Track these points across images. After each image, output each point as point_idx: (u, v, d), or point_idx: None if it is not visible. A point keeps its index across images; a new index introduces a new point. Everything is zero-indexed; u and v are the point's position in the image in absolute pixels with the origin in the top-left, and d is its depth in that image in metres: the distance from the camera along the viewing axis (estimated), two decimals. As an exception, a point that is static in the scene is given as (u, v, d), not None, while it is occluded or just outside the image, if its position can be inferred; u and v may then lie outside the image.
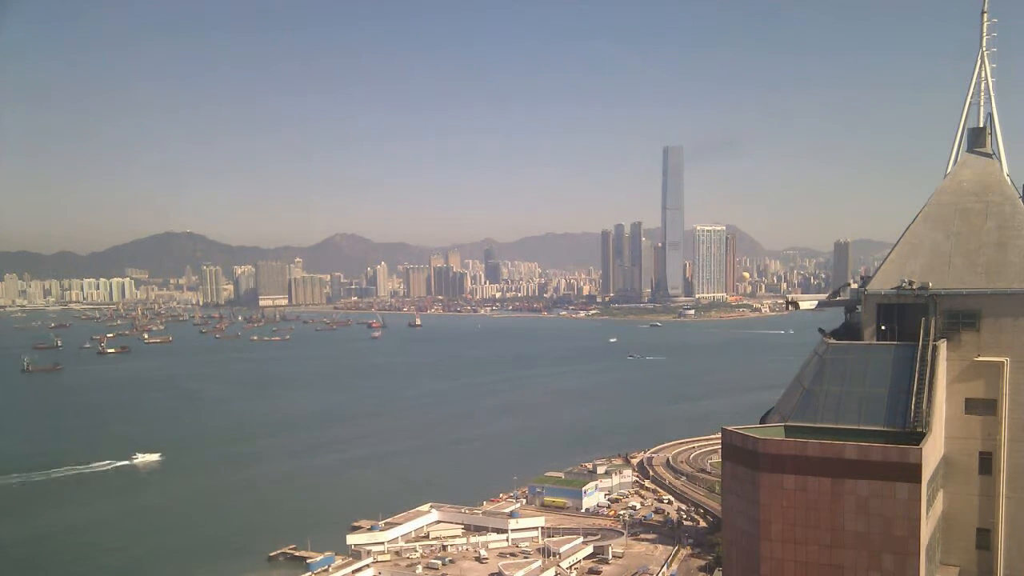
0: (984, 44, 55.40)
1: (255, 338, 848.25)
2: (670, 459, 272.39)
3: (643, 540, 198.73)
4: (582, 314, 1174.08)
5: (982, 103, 56.46)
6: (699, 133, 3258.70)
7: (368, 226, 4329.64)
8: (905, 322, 50.76)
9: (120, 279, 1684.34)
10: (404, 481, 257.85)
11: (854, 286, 58.91)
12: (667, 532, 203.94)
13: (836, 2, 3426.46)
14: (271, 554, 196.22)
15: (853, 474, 42.49)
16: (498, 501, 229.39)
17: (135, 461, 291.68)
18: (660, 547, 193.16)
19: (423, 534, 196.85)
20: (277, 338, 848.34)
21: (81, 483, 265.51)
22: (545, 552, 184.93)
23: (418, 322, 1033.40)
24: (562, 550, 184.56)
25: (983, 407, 48.82)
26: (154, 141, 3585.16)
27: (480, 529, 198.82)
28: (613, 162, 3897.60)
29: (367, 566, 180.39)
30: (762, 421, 51.44)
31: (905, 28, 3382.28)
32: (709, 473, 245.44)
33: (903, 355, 47.94)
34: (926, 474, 42.05)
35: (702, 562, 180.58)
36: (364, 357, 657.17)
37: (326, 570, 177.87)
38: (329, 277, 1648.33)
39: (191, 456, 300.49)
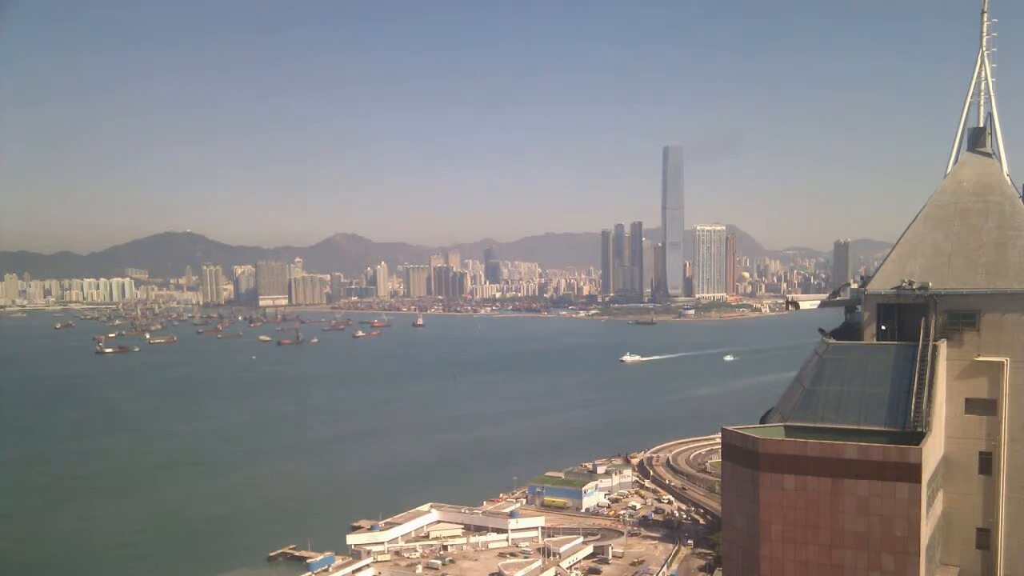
0: (984, 44, 55.36)
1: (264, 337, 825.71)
2: (670, 459, 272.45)
3: (643, 540, 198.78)
4: (582, 314, 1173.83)
5: (982, 103, 56.43)
6: (699, 133, 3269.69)
7: (368, 226, 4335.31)
8: (905, 322, 50.77)
9: (120, 279, 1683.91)
10: (404, 481, 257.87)
11: (854, 286, 58.90)
12: (667, 532, 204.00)
13: (836, 2, 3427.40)
14: (271, 554, 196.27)
15: (853, 474, 42.44)
16: (498, 501, 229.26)
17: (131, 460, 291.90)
18: (660, 547, 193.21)
19: (423, 534, 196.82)
20: (288, 340, 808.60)
21: (83, 484, 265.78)
22: (545, 552, 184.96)
23: (420, 321, 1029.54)
24: (562, 550, 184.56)
25: (983, 407, 48.78)
26: (154, 141, 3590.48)
27: (480, 529, 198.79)
28: (613, 162, 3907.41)
29: (367, 566, 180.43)
30: (762, 421, 51.40)
31: (905, 28, 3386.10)
32: (709, 473, 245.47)
33: (903, 355, 47.92)
34: (926, 474, 42.02)
35: (702, 562, 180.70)
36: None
37: (326, 570, 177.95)
38: (329, 277, 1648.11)
39: (191, 455, 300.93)
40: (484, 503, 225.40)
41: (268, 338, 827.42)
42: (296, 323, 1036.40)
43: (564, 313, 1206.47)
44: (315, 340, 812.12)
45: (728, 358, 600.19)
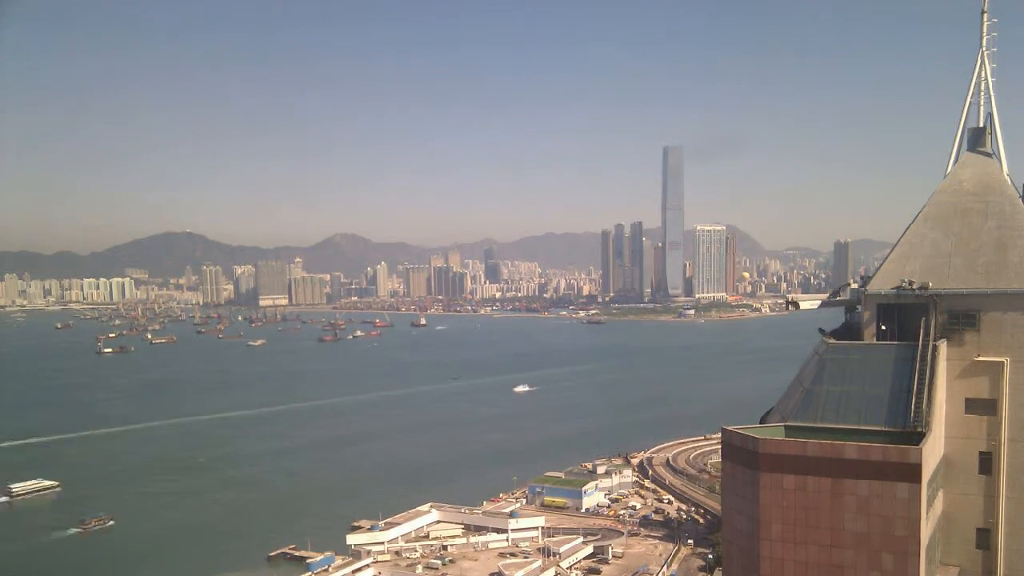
0: (984, 44, 55.35)
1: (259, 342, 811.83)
2: (670, 459, 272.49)
3: (643, 540, 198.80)
4: (582, 314, 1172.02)
5: (982, 103, 56.43)
6: (699, 133, 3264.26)
7: (368, 226, 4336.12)
8: (905, 322, 50.74)
9: (120, 279, 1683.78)
10: (404, 481, 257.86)
11: (854, 286, 58.82)
12: (667, 532, 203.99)
13: (836, 3, 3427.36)
14: (271, 554, 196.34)
15: (853, 474, 42.45)
16: (498, 501, 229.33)
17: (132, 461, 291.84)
18: (660, 547, 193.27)
19: (423, 534, 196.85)
20: (329, 337, 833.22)
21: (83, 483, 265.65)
22: (545, 552, 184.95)
23: (423, 321, 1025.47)
24: (562, 550, 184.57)
25: (983, 407, 48.78)
26: (154, 141, 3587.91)
27: (480, 529, 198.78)
28: (613, 162, 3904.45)
29: (367, 566, 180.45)
30: (762, 421, 51.37)
31: (905, 28, 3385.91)
32: (709, 473, 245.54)
33: (903, 355, 47.91)
34: (926, 474, 42.01)
35: (702, 562, 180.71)
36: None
37: (326, 570, 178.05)
38: (329, 277, 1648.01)
39: (191, 454, 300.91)
40: (484, 503, 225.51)
41: (264, 341, 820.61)
42: (297, 324, 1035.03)
43: (564, 313, 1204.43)
44: (351, 336, 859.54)
45: (520, 388, 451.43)
